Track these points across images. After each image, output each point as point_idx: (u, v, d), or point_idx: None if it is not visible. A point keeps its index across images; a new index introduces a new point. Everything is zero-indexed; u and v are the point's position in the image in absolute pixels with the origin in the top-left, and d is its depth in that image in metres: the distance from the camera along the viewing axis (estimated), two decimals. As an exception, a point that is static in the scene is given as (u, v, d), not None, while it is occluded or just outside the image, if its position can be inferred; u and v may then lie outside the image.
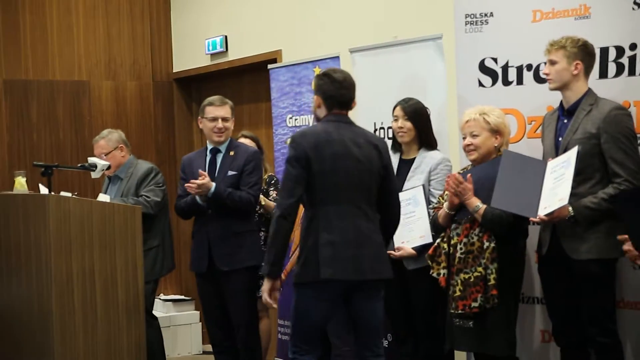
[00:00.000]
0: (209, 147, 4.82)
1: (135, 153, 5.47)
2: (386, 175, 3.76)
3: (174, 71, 7.34)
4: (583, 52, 3.73)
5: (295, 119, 5.60)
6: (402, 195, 4.19)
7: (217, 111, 4.75)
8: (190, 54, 7.20)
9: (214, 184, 4.54)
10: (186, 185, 4.56)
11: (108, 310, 4.49)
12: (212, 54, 6.97)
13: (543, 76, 3.95)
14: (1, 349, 4.82)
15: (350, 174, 3.64)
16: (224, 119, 4.74)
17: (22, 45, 6.68)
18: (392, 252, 4.14)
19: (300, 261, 3.64)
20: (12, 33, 6.64)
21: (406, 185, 4.23)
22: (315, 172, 3.61)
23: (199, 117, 4.88)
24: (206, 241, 4.59)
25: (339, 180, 3.63)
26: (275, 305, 3.71)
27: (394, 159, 4.31)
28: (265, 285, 3.66)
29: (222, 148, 4.80)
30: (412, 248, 4.14)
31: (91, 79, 6.94)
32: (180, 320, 6.87)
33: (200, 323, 6.97)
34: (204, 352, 6.83)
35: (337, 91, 3.73)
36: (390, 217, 3.79)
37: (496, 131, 3.90)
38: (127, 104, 7.11)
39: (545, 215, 3.57)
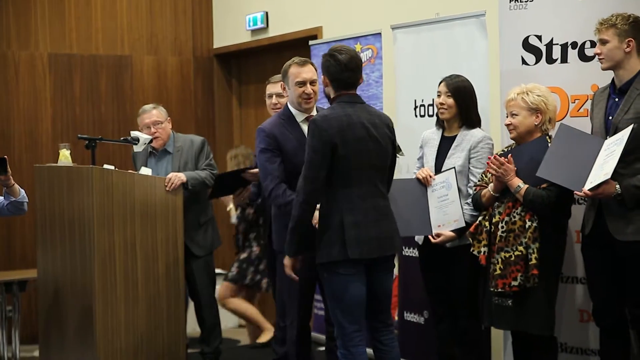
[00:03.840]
0: None
1: (175, 128, 5.49)
2: (394, 152, 3.90)
3: (214, 47, 7.37)
4: (634, 29, 3.66)
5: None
6: (436, 178, 4.20)
7: (272, 88, 4.66)
8: (230, 30, 7.22)
9: None
10: None
11: (148, 283, 4.56)
12: (252, 30, 6.98)
13: (590, 54, 3.90)
14: (48, 313, 4.92)
15: (371, 155, 3.74)
16: (279, 95, 4.58)
17: (66, 19, 6.75)
18: (431, 237, 4.16)
19: (324, 241, 3.69)
20: (57, 7, 6.72)
21: (446, 162, 4.22)
22: (340, 156, 3.67)
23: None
24: None
25: (361, 163, 3.71)
26: (297, 278, 3.86)
27: (436, 136, 4.31)
28: (289, 261, 3.83)
29: None
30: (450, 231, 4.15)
31: (133, 54, 7.00)
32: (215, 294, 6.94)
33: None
34: (240, 326, 6.90)
35: (341, 74, 3.76)
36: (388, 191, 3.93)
37: (536, 110, 3.87)
38: (167, 79, 7.16)
39: (590, 190, 3.54)
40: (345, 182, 3.69)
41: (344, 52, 3.78)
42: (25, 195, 4.46)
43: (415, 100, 4.95)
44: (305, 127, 4.09)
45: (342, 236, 3.66)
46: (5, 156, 4.05)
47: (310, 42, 5.97)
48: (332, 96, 3.83)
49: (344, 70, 3.74)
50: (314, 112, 4.17)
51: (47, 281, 4.94)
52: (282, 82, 4.24)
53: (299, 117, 4.13)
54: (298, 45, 6.30)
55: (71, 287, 4.66)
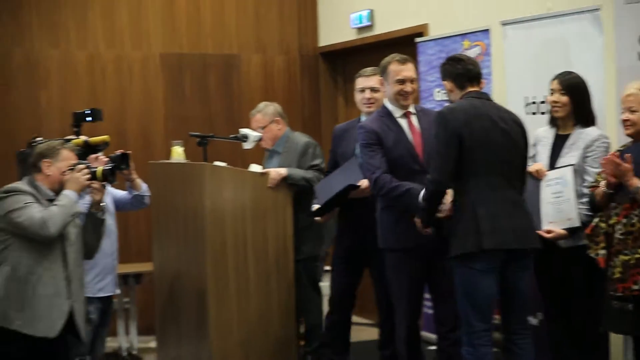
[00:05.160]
0: (363, 119, 4.65)
1: (283, 126, 5.55)
2: (527, 154, 3.89)
3: (319, 45, 7.43)
4: None
5: (444, 92, 5.55)
6: (550, 174, 4.12)
7: (366, 82, 4.62)
8: (336, 29, 7.26)
9: None
10: None
11: (260, 279, 4.63)
12: (358, 28, 7.00)
13: None
14: (164, 306, 5.07)
15: (500, 147, 3.73)
16: (373, 90, 4.59)
17: (177, 20, 6.94)
18: (542, 232, 4.08)
19: (457, 233, 3.69)
20: (168, 9, 6.90)
21: (559, 161, 4.13)
22: (467, 147, 3.68)
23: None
24: None
25: (490, 154, 3.71)
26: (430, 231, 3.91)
27: (549, 134, 4.23)
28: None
29: None
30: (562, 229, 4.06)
31: (241, 53, 7.13)
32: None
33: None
34: (354, 323, 6.81)
35: (464, 68, 3.83)
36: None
37: None
38: (274, 77, 7.26)
39: None
40: (475, 173, 3.69)
41: (459, 54, 3.92)
42: (147, 189, 4.67)
43: (525, 98, 4.88)
44: (403, 122, 4.15)
45: (476, 227, 3.65)
46: (129, 151, 4.20)
47: (417, 40, 5.95)
48: (458, 99, 3.85)
49: (467, 63, 3.83)
50: (411, 109, 4.22)
51: (162, 275, 5.09)
52: (380, 78, 4.27)
53: (397, 112, 4.18)
54: (404, 43, 6.28)
55: (185, 282, 4.79)
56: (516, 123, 3.84)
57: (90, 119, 4.77)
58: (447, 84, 3.87)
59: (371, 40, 6.86)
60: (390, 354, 4.53)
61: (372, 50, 6.97)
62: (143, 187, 4.66)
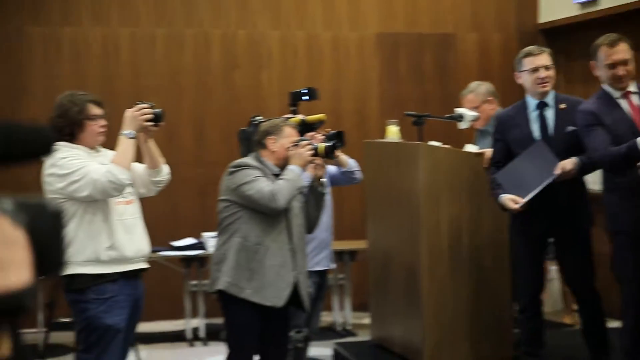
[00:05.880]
0: (532, 101, 4.33)
1: (502, 106, 5.42)
2: None
3: (540, 22, 7.17)
4: None
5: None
6: None
7: (536, 60, 4.27)
8: (557, 4, 6.97)
9: None
10: None
11: (474, 260, 4.56)
12: (581, 3, 6.68)
13: None
14: (377, 284, 5.12)
15: None
16: (547, 68, 4.27)
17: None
18: None
19: None
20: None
21: None
22: None
23: (515, 73, 4.41)
24: None
25: None
26: None
27: None
28: None
29: (550, 101, 4.32)
30: None
31: (457, 32, 7.04)
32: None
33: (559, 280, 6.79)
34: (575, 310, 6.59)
35: None
36: None
37: None
38: (491, 56, 7.10)
39: None
40: None
41: None
42: (355, 164, 4.73)
43: None
44: (622, 102, 3.99)
45: None
46: (342, 130, 4.26)
47: (648, 14, 5.59)
48: None
49: None
50: (631, 88, 4.01)
51: (376, 253, 5.14)
52: (548, 55, 4.22)
53: (615, 94, 3.99)
54: (633, 18, 5.93)
55: (399, 261, 4.81)
56: None
57: (306, 97, 4.88)
58: None
59: (595, 16, 6.53)
60: (596, 342, 4.32)
61: (596, 27, 6.61)
62: (350, 163, 4.72)
